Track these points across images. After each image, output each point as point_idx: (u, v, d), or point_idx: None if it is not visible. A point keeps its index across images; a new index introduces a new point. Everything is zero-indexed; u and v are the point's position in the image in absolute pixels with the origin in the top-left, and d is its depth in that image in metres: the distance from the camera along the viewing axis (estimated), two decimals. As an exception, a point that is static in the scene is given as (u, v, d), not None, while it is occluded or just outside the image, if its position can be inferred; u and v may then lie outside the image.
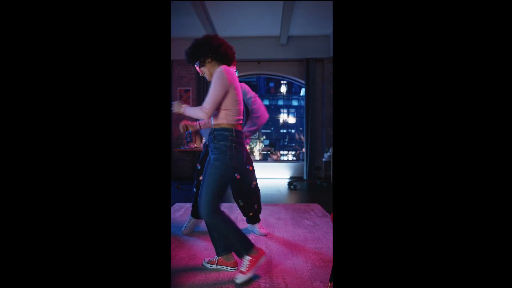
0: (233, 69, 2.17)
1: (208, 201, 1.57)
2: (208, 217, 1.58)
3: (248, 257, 1.63)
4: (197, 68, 1.75)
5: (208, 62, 1.69)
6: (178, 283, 1.61)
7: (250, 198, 2.42)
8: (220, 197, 1.60)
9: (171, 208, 3.44)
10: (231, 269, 1.77)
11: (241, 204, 2.43)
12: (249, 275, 1.61)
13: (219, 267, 1.79)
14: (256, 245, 1.67)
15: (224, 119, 1.62)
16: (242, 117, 1.70)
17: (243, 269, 1.62)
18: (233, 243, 1.64)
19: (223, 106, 1.62)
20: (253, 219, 2.48)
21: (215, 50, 1.67)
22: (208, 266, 1.81)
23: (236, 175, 2.35)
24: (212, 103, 1.55)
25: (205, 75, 1.73)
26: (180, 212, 3.25)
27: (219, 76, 1.56)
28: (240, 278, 1.60)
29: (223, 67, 1.60)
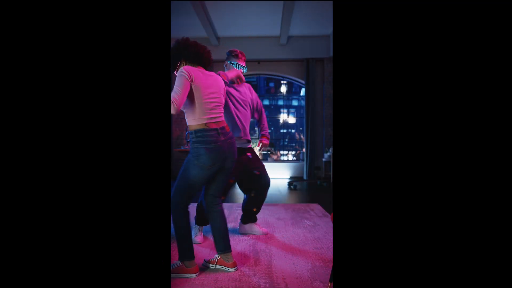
0: (242, 64, 2.26)
1: (173, 195, 1.70)
2: (171, 205, 1.69)
3: (179, 262, 1.71)
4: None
5: (183, 65, 1.74)
6: (178, 283, 1.61)
7: (262, 193, 2.40)
8: (183, 193, 1.69)
9: (171, 208, 3.44)
10: (230, 269, 1.77)
11: (252, 195, 2.38)
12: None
13: (218, 266, 1.79)
14: (197, 264, 1.74)
15: (188, 121, 1.72)
16: (209, 115, 1.69)
17: (171, 267, 1.71)
18: (180, 242, 1.71)
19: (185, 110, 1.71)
20: (253, 216, 2.45)
21: (183, 52, 1.73)
22: (208, 265, 1.81)
23: (255, 171, 2.36)
24: (175, 93, 1.55)
25: None
26: (180, 212, 3.25)
27: (179, 74, 1.62)
28: None
29: (184, 67, 1.64)
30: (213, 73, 1.79)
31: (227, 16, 5.15)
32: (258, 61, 6.18)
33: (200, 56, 1.74)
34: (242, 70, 2.23)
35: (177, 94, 1.54)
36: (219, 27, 5.64)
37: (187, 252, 1.70)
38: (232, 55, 2.25)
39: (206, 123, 1.68)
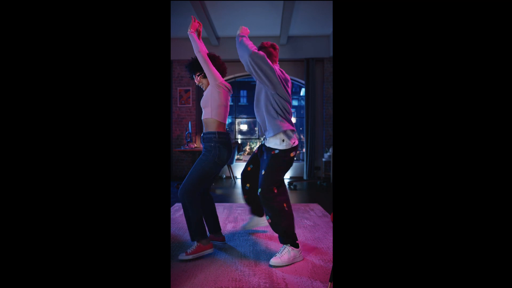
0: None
1: (186, 184, 1.94)
2: (182, 196, 1.94)
3: (196, 243, 1.97)
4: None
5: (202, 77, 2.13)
6: (178, 283, 1.61)
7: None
8: (197, 185, 1.95)
9: (171, 208, 3.44)
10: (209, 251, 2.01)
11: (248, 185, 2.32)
12: (190, 257, 1.93)
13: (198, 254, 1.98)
14: (211, 241, 2.06)
15: (211, 122, 2.03)
16: (225, 121, 2.06)
17: (188, 251, 1.96)
18: (191, 224, 1.96)
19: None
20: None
21: (196, 64, 2.09)
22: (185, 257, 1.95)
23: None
24: (209, 63, 2.04)
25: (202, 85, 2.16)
26: (180, 212, 3.25)
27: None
28: (182, 257, 1.94)
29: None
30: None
31: (227, 16, 5.15)
32: (258, 61, 6.17)
33: (221, 69, 2.09)
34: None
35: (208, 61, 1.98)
36: (219, 27, 5.63)
37: (202, 232, 1.98)
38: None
39: (225, 128, 2.04)
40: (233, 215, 3.10)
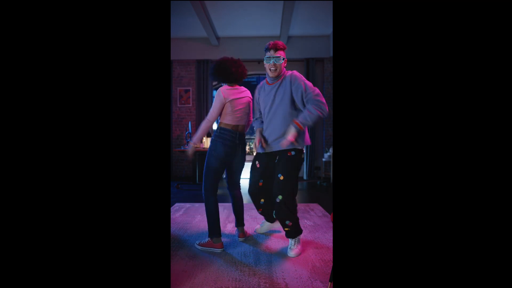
0: (270, 55, 2.11)
1: (203, 181, 2.13)
2: (203, 192, 2.12)
3: (209, 239, 2.14)
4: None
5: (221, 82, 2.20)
6: (178, 283, 1.61)
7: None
8: (208, 183, 2.11)
9: (171, 208, 3.44)
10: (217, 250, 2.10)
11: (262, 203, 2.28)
12: (200, 248, 2.14)
13: (205, 248, 2.12)
14: (222, 242, 2.13)
15: (220, 122, 2.16)
16: (234, 122, 2.11)
17: (202, 242, 2.17)
18: (209, 221, 2.11)
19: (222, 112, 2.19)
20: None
21: (222, 74, 2.12)
22: (199, 247, 2.14)
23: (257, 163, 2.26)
24: (210, 114, 2.11)
25: None
26: (180, 212, 3.25)
27: (216, 93, 2.11)
28: (197, 246, 2.17)
29: (221, 88, 2.11)
30: (244, 89, 2.22)
31: (227, 16, 5.15)
32: (258, 61, 6.18)
33: (234, 76, 2.13)
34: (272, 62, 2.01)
35: (211, 114, 2.09)
36: (219, 27, 5.63)
37: (214, 230, 2.09)
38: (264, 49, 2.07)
39: (232, 126, 2.12)
40: (233, 215, 3.10)
